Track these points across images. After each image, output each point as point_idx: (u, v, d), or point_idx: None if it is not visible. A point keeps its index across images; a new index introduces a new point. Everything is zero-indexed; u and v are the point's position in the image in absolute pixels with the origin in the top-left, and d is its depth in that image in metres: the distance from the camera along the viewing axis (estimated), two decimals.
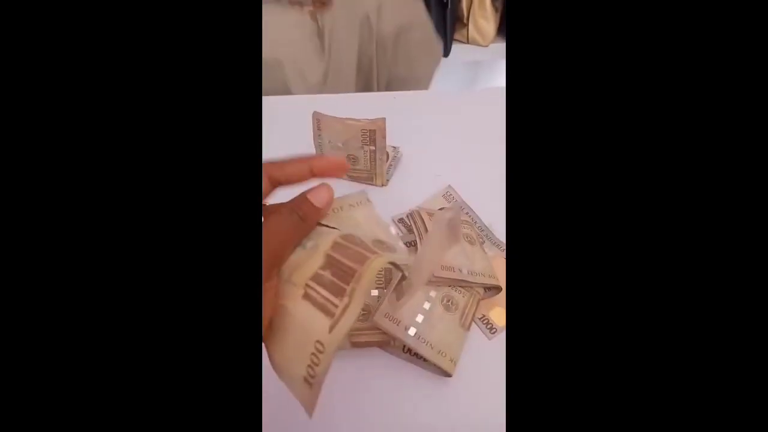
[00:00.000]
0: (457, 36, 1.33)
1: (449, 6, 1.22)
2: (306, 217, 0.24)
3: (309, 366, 0.21)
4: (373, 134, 0.51)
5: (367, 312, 0.41)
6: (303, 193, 0.24)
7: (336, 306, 0.21)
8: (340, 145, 0.53)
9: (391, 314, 0.39)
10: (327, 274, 0.22)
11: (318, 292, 0.22)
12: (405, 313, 0.39)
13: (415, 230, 0.47)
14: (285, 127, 0.62)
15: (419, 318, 0.39)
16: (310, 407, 0.21)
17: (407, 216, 0.50)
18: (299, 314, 0.22)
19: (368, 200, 0.26)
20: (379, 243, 0.24)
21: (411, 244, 0.50)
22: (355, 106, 0.52)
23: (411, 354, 0.39)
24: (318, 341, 0.21)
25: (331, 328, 0.21)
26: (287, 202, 0.24)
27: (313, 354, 0.21)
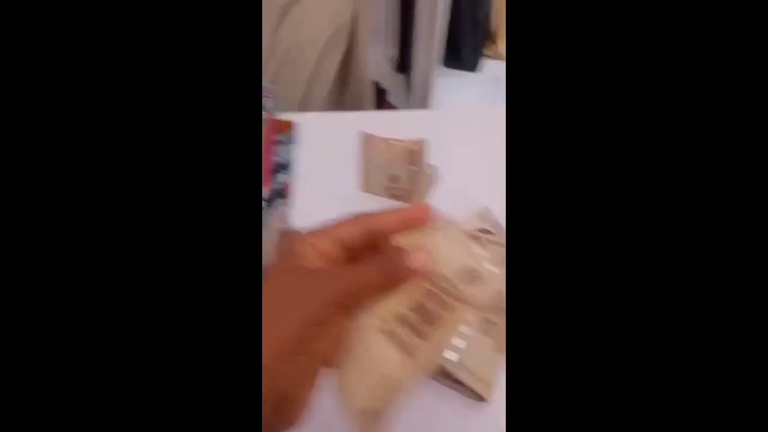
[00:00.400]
0: (487, 52, 1.34)
1: (480, 23, 1.24)
2: (393, 278, 0.23)
3: (376, 399, 0.21)
4: (416, 154, 0.53)
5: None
6: (401, 252, 0.24)
7: (416, 347, 0.22)
8: (383, 163, 0.54)
9: None
10: (413, 317, 0.23)
11: (398, 330, 0.23)
12: None
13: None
14: (310, 145, 0.63)
15: (460, 343, 0.39)
16: None
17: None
18: (374, 348, 0.22)
19: (449, 222, 0.26)
20: (470, 271, 0.24)
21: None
22: (384, 122, 0.52)
23: (449, 379, 0.40)
24: (384, 375, 0.22)
25: (408, 364, 0.21)
26: (380, 257, 0.23)
27: (384, 387, 0.21)
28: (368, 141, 0.54)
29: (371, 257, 0.23)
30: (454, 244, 0.25)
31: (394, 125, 0.54)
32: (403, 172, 0.55)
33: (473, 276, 0.24)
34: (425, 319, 0.23)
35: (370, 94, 0.99)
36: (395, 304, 0.23)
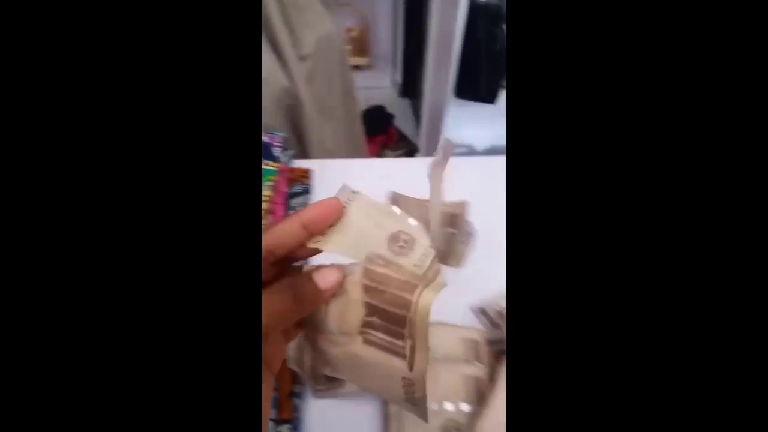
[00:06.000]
0: (504, 83, 1.30)
1: (500, 55, 1.20)
2: (302, 298, 0.21)
3: (406, 393, 0.22)
4: (455, 218, 0.49)
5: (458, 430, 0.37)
6: (308, 269, 0.22)
7: (402, 347, 0.21)
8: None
9: None
10: (377, 320, 0.21)
11: (377, 337, 0.22)
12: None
13: (504, 332, 0.40)
14: (331, 193, 0.55)
15: None
16: (423, 416, 0.22)
17: (496, 313, 0.45)
18: (371, 357, 0.22)
19: (353, 192, 0.24)
20: (397, 236, 0.22)
21: (496, 343, 0.44)
22: (409, 170, 0.49)
23: None
24: (404, 378, 0.21)
25: (411, 366, 0.21)
26: (286, 278, 0.21)
27: (405, 386, 0.22)
28: (399, 201, 0.51)
29: (279, 282, 0.21)
30: (371, 215, 0.23)
31: (422, 174, 0.50)
32: (439, 233, 0.50)
33: (402, 240, 0.22)
34: (389, 320, 0.21)
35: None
36: (353, 316, 0.22)
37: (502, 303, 0.46)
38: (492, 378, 0.40)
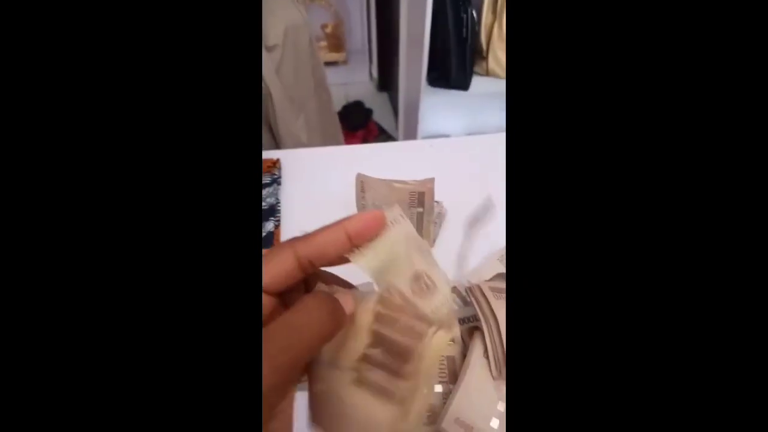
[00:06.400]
0: (476, 69, 1.30)
1: (468, 40, 1.19)
2: (335, 319, 0.19)
3: None
4: (422, 196, 0.49)
5: (432, 413, 0.36)
6: (327, 290, 0.21)
7: (401, 391, 0.19)
8: (384, 207, 0.49)
9: (462, 419, 0.34)
10: (379, 354, 0.20)
11: (373, 375, 0.20)
12: (477, 417, 0.34)
13: (477, 308, 0.40)
14: (301, 183, 0.56)
15: (494, 423, 0.33)
16: None
17: (466, 290, 0.44)
18: (358, 403, 0.19)
19: (402, 216, 0.22)
20: (419, 277, 0.22)
21: (468, 320, 0.43)
22: (378, 155, 0.48)
23: None
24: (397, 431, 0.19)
25: (405, 415, 0.19)
26: (314, 294, 0.20)
27: None
28: (366, 183, 0.50)
29: (313, 299, 0.20)
30: (409, 246, 0.22)
31: (392, 158, 0.50)
32: (408, 215, 0.49)
33: (424, 282, 0.21)
34: (393, 354, 0.20)
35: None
36: (353, 345, 0.20)
37: (473, 280, 0.46)
38: (464, 355, 0.40)
